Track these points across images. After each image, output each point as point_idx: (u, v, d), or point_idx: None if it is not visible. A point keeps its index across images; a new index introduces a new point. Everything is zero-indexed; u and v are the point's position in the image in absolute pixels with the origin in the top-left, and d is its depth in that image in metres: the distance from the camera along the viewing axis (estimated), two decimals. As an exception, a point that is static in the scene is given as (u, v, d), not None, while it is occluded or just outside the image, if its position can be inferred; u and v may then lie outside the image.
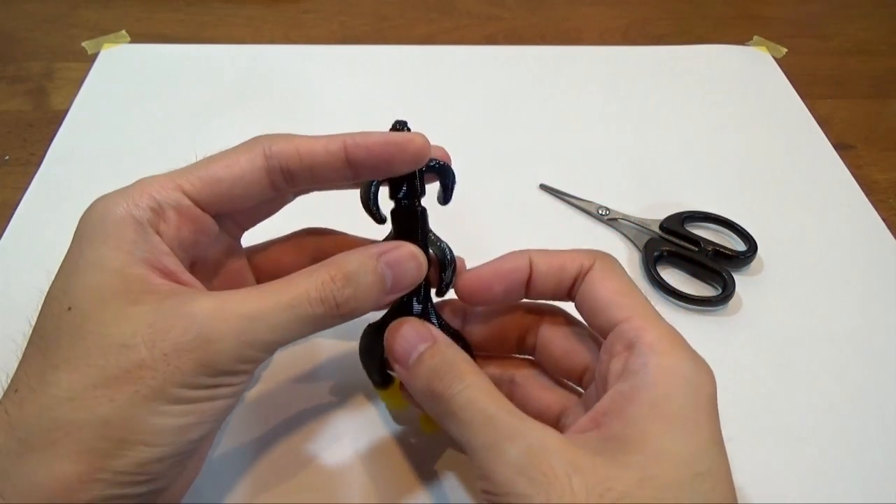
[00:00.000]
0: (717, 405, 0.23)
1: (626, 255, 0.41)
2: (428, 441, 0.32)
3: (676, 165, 0.47)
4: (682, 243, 0.41)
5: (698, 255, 0.40)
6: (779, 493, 0.31)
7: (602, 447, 0.21)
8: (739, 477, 0.23)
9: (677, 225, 0.42)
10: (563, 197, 0.44)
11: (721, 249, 0.40)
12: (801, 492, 0.31)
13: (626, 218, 0.43)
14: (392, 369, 0.28)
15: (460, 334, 0.28)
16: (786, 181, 0.46)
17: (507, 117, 0.51)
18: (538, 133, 0.50)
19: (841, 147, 0.49)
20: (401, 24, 0.61)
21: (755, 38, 0.60)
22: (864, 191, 0.46)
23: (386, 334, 0.27)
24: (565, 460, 0.20)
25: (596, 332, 0.26)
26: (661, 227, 0.42)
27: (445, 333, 0.28)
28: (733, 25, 0.62)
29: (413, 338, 0.25)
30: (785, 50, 0.59)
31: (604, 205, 0.43)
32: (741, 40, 0.60)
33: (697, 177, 0.47)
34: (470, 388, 0.23)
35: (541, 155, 0.48)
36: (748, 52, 0.59)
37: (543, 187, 0.45)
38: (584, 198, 0.44)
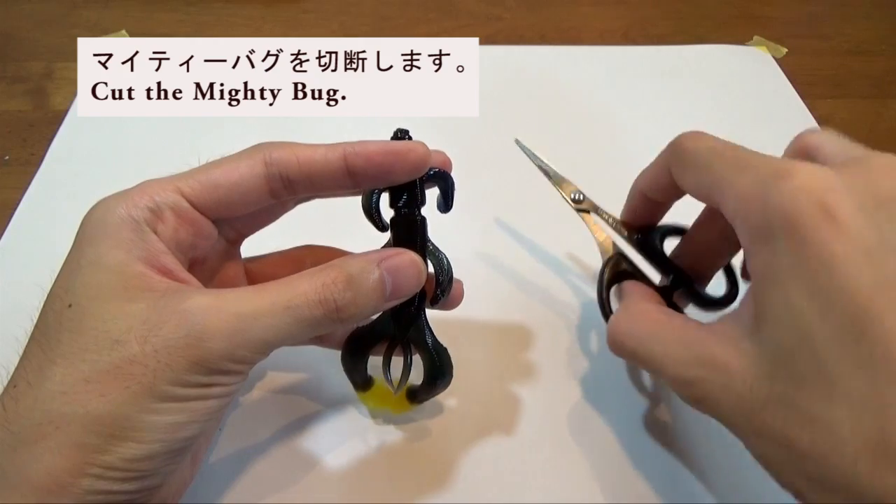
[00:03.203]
0: None
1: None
2: (427, 442, 0.32)
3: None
4: (640, 270, 0.34)
5: (664, 292, 0.33)
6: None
7: None
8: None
9: (656, 243, 0.34)
10: (536, 160, 0.37)
11: (693, 291, 0.33)
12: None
13: (601, 212, 0.35)
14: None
15: (446, 351, 0.29)
16: (786, 181, 0.46)
17: (506, 117, 0.50)
18: (537, 133, 0.49)
19: (841, 147, 0.49)
20: (401, 24, 0.61)
21: (755, 38, 0.60)
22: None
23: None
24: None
25: None
26: (637, 238, 0.34)
27: (434, 347, 0.28)
28: (733, 25, 0.62)
29: None
30: (785, 50, 0.59)
31: (581, 190, 0.36)
32: (741, 40, 0.60)
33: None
34: None
35: (540, 155, 0.48)
36: (748, 52, 0.59)
37: (518, 143, 0.38)
38: (565, 175, 0.37)
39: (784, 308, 0.22)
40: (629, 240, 0.34)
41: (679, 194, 0.30)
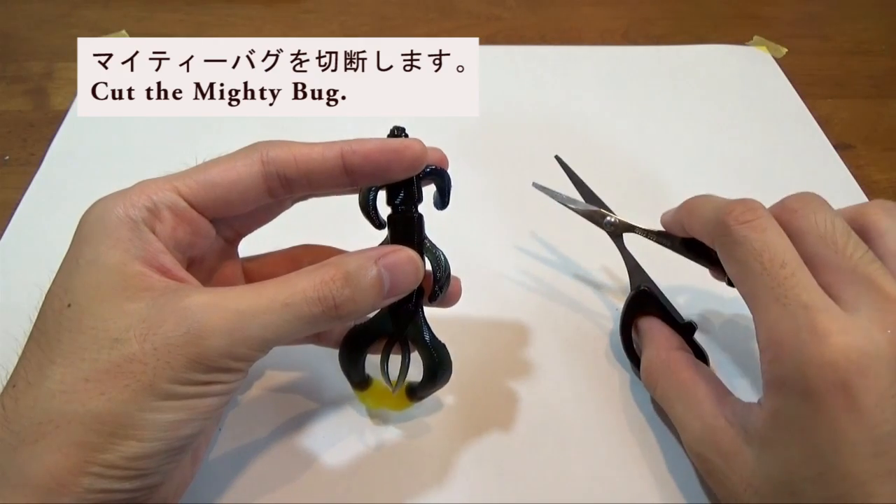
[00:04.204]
0: None
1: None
2: (426, 441, 0.32)
3: (675, 165, 0.47)
4: (669, 308, 0.34)
5: (686, 330, 0.33)
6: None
7: None
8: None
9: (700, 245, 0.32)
10: (563, 199, 0.36)
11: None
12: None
13: (637, 229, 0.34)
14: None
15: (445, 347, 0.29)
16: (786, 181, 0.46)
17: (506, 117, 0.51)
18: (537, 133, 0.50)
19: (841, 147, 0.49)
20: (401, 24, 0.61)
21: (755, 38, 0.60)
22: (864, 191, 0.46)
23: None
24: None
25: None
26: (682, 241, 0.33)
27: (433, 344, 0.28)
28: (733, 25, 0.62)
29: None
30: (785, 50, 0.59)
31: (614, 212, 0.35)
32: (741, 40, 0.60)
33: (697, 177, 0.47)
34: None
35: (539, 155, 0.48)
36: (748, 52, 0.59)
37: (538, 185, 0.37)
38: (590, 207, 0.36)
39: (783, 455, 0.24)
40: (673, 246, 0.33)
41: None
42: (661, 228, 0.34)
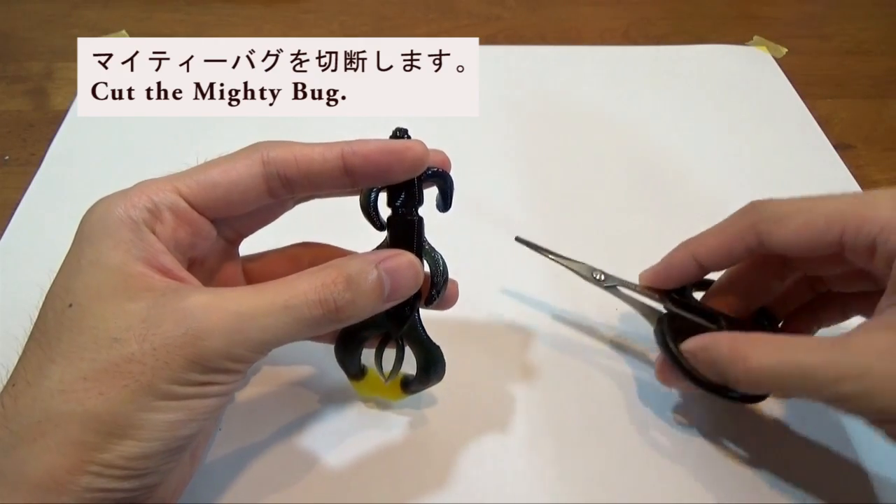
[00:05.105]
0: None
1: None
2: (426, 441, 0.32)
3: (675, 164, 0.47)
4: (697, 319, 0.32)
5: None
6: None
7: None
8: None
9: (690, 298, 0.33)
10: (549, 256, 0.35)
11: (738, 320, 0.32)
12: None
13: (626, 285, 0.34)
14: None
15: (439, 348, 0.29)
16: (786, 181, 0.46)
17: (506, 117, 0.51)
18: (537, 134, 0.50)
19: (841, 147, 0.49)
20: (401, 24, 0.61)
21: (755, 38, 0.60)
22: (863, 191, 0.46)
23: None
24: None
25: None
26: (672, 296, 0.33)
27: (428, 344, 0.29)
28: (733, 25, 0.62)
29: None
30: (785, 50, 0.59)
31: (598, 267, 0.35)
32: (741, 40, 0.60)
33: (696, 176, 0.47)
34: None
35: (539, 156, 0.48)
36: (748, 52, 0.59)
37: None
38: (576, 259, 0.35)
39: None
40: (661, 300, 0.33)
41: (742, 258, 0.31)
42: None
